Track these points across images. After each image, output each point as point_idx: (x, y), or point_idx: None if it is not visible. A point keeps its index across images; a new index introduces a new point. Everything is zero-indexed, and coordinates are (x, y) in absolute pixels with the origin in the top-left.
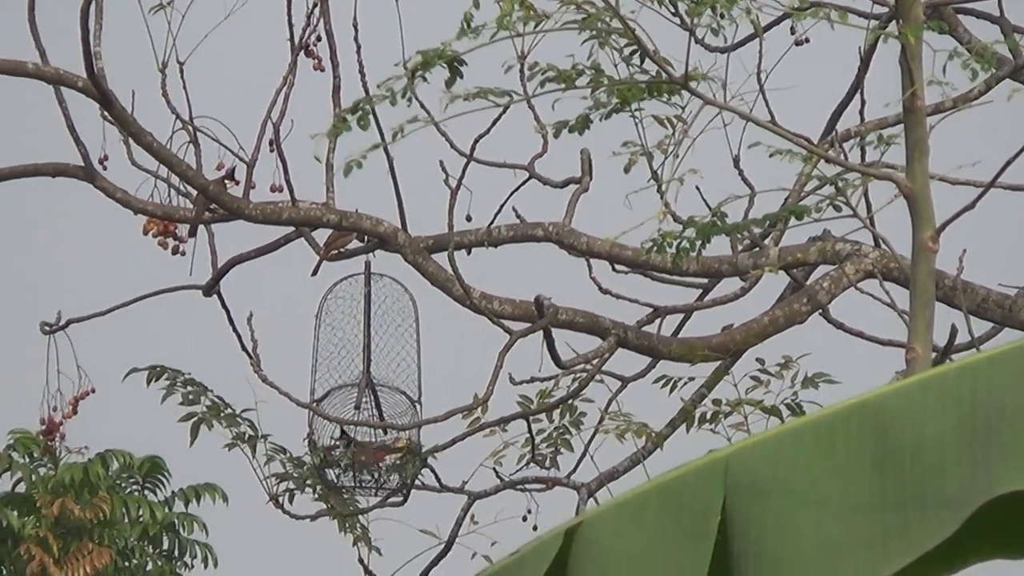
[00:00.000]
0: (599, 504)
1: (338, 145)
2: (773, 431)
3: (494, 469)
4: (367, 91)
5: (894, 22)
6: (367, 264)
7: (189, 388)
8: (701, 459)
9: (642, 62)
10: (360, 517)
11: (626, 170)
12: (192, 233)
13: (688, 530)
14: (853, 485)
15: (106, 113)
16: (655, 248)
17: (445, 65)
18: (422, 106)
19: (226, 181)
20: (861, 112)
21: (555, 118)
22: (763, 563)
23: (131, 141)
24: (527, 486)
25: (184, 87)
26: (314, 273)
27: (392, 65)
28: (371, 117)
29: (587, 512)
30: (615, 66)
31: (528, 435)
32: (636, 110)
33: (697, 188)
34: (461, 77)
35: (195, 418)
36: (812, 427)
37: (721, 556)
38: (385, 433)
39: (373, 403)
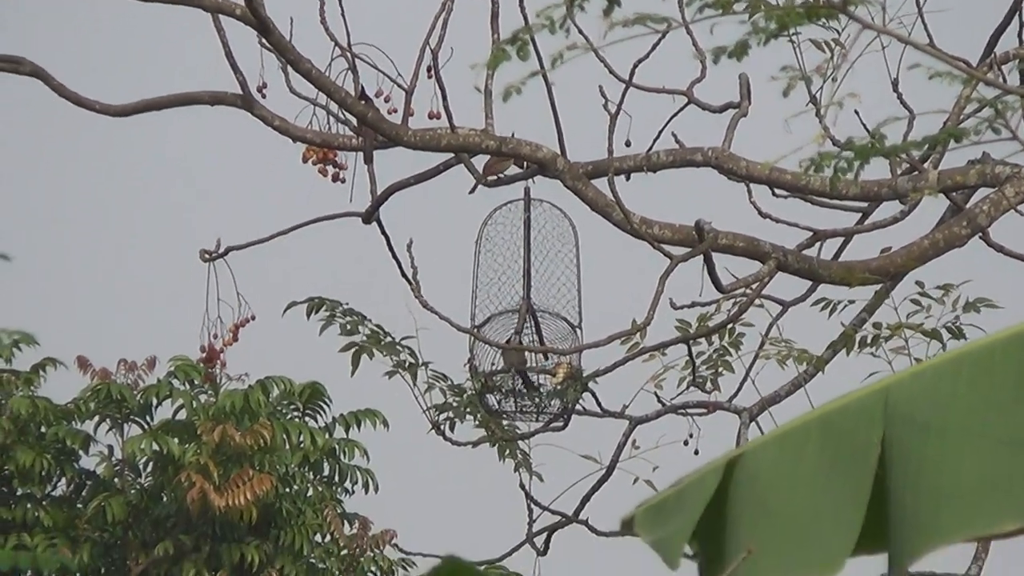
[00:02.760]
0: (761, 429)
1: (497, 72)
2: (932, 361)
3: (655, 393)
4: (526, 19)
5: None
6: (526, 190)
7: (348, 318)
8: (861, 390)
9: None
10: (521, 443)
11: (784, 94)
12: (367, 160)
13: (848, 463)
14: (1013, 419)
15: (264, 40)
16: (813, 167)
17: None
18: (581, 33)
19: (366, 100)
20: (1020, 34)
21: (713, 44)
22: (921, 497)
23: (289, 68)
24: (688, 410)
25: (342, 14)
26: (472, 191)
27: None
28: (530, 47)
29: (747, 444)
30: None
31: (688, 359)
32: (794, 34)
33: (856, 112)
34: (619, 5)
35: (356, 347)
36: (971, 357)
37: (879, 489)
38: (546, 358)
39: (534, 328)
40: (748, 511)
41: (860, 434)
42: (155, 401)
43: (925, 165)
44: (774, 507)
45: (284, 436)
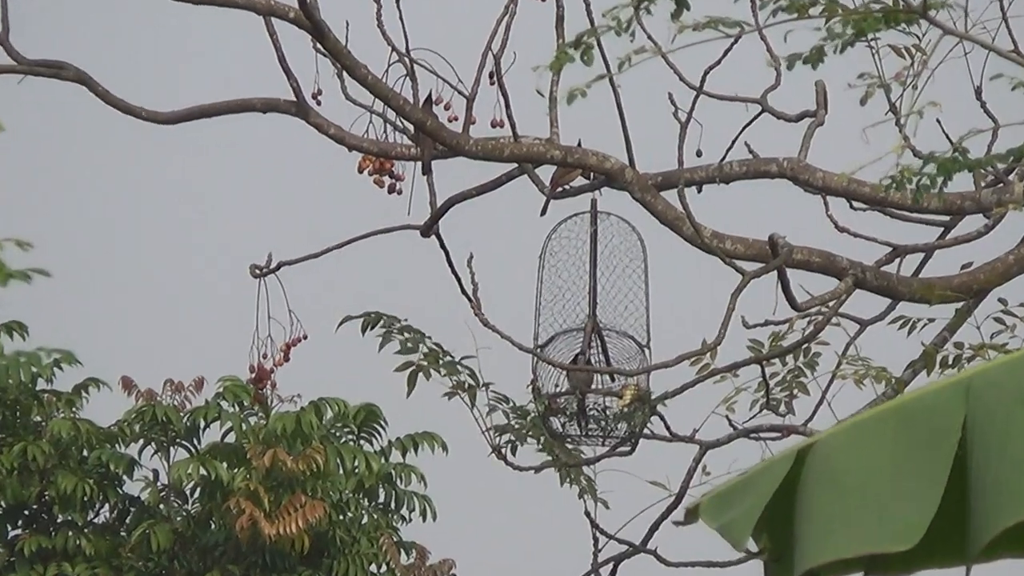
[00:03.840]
0: None
1: (562, 78)
2: (1019, 352)
3: (726, 417)
4: (591, 20)
5: None
6: (593, 202)
7: (406, 335)
8: (941, 381)
9: None
10: (586, 468)
11: (862, 102)
12: (426, 171)
13: (926, 446)
14: None
15: (319, 45)
16: (894, 186)
17: None
18: (649, 37)
19: (428, 107)
20: None
21: (788, 50)
22: (1005, 465)
23: (345, 74)
24: (761, 435)
25: (400, 17)
26: (543, 213)
27: None
28: (595, 51)
29: (820, 433)
30: None
31: (762, 380)
32: (872, 40)
33: (938, 121)
34: (688, 8)
35: (412, 367)
36: None
37: (960, 468)
38: (613, 380)
39: (600, 348)
40: (820, 493)
41: (940, 419)
42: (203, 424)
43: (1010, 177)
44: (848, 487)
45: (338, 461)
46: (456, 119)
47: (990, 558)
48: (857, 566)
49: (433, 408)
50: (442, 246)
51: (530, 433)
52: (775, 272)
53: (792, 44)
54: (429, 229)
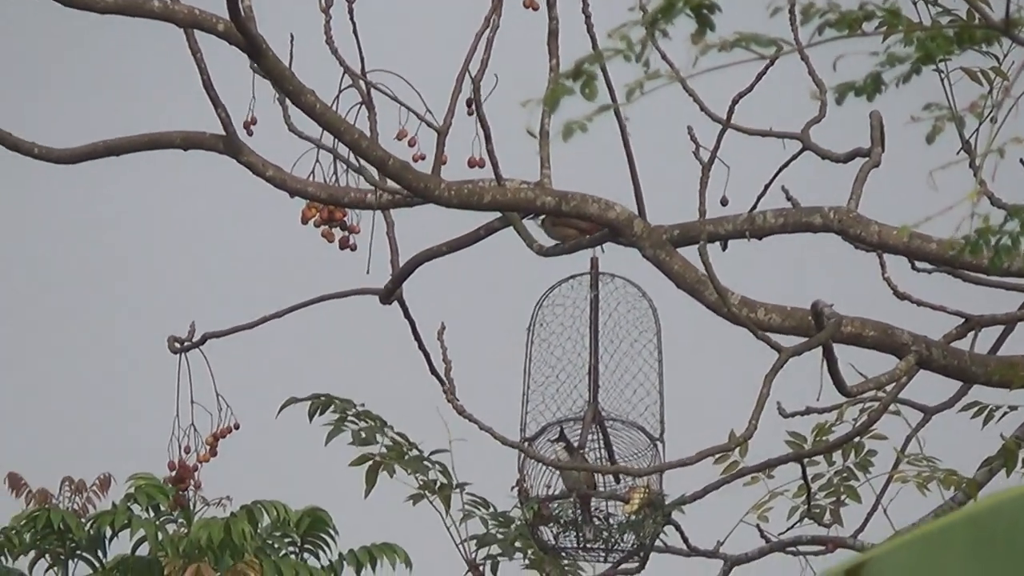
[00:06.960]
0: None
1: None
2: None
3: (757, 526)
4: (593, 39)
5: None
6: (594, 261)
7: (363, 423)
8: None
9: None
10: None
11: (929, 140)
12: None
13: (1006, 570)
14: None
15: (255, 65)
16: (969, 248)
17: (692, 13)
18: (664, 58)
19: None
20: None
21: (836, 78)
22: None
23: (287, 102)
24: (801, 548)
25: (355, 31)
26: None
27: (624, 3)
28: (599, 82)
29: (871, 551)
30: (914, 4)
31: (802, 482)
32: (941, 61)
33: (1022, 162)
34: (712, 29)
35: (370, 462)
36: None
37: None
38: (617, 481)
39: (602, 441)
40: None
41: (1023, 535)
42: (109, 532)
43: None
44: None
45: None
46: (423, 158)
47: None
48: None
49: (395, 514)
50: (406, 315)
51: (516, 545)
52: (819, 349)
53: (842, 71)
54: (390, 294)
